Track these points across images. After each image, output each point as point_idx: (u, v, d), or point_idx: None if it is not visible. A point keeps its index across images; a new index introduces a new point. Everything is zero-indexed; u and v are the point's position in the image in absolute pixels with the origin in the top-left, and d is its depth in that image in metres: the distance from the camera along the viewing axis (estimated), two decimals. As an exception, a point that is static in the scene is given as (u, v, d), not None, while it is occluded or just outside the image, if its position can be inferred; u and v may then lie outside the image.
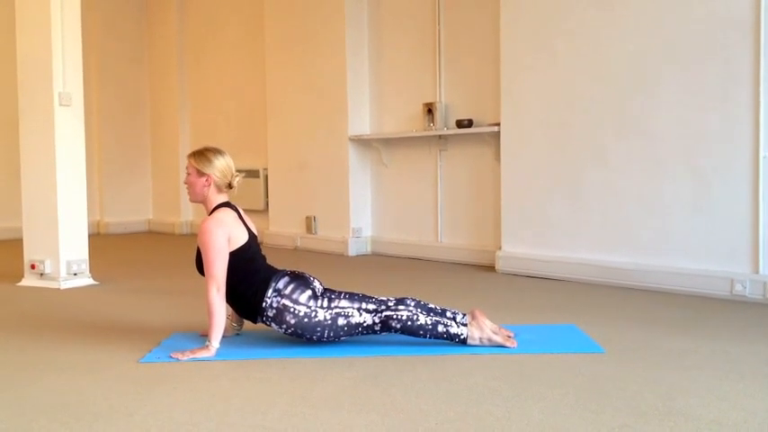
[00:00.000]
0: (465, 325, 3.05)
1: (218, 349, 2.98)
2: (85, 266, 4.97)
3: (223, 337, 3.06)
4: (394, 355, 2.96)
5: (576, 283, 4.68)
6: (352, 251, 6.39)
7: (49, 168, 4.81)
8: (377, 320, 3.01)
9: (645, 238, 4.47)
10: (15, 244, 5.68)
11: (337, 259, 6.17)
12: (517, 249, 5.16)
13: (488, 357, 2.91)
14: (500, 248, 5.27)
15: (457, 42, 5.83)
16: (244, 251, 3.09)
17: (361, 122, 6.53)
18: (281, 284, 3.07)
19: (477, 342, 3.03)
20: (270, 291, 3.04)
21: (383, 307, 3.04)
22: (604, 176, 4.66)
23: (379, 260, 6.07)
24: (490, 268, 5.38)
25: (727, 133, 4.09)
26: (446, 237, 5.93)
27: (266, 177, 7.44)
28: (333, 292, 3.12)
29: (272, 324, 3.06)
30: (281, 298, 3.03)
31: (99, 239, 7.84)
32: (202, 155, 3.17)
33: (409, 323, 3.00)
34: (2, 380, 2.72)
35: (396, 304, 3.05)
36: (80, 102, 4.94)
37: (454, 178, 5.87)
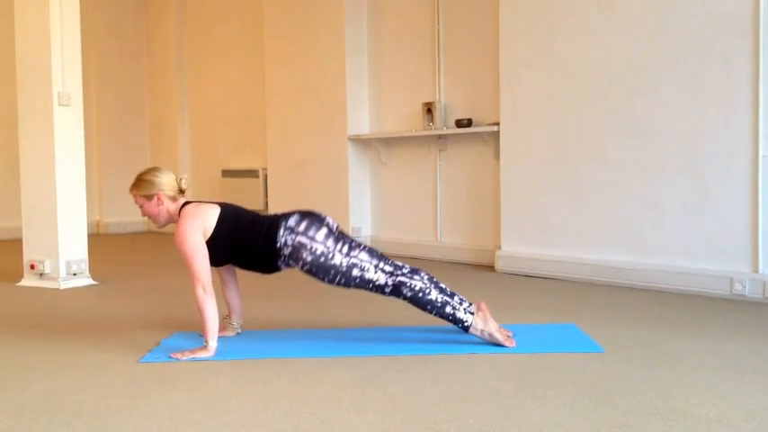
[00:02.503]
0: (472, 314, 3.05)
1: (217, 349, 2.98)
2: (85, 266, 4.97)
3: (223, 337, 3.06)
4: (394, 355, 2.96)
5: (576, 283, 4.68)
6: (351, 251, 6.38)
7: (48, 168, 4.81)
8: (389, 283, 3.02)
9: (644, 237, 4.47)
10: (15, 244, 5.68)
11: (337, 259, 6.16)
12: (516, 249, 5.16)
13: (488, 357, 2.91)
14: (499, 248, 5.28)
15: (456, 42, 5.83)
16: (225, 217, 3.07)
17: (361, 122, 6.53)
18: (292, 222, 3.04)
19: (478, 333, 3.04)
20: (281, 230, 3.02)
21: (399, 272, 3.04)
22: (604, 176, 4.66)
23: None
24: (489, 268, 5.38)
25: (727, 133, 4.09)
26: (445, 236, 5.93)
27: (266, 177, 7.43)
28: (352, 240, 3.11)
29: (291, 262, 3.04)
30: (296, 235, 3.01)
31: (98, 239, 7.83)
32: (140, 181, 3.16)
33: (420, 294, 3.00)
34: (2, 380, 2.72)
35: (410, 272, 3.05)
36: (79, 102, 4.93)
37: (453, 178, 5.87)
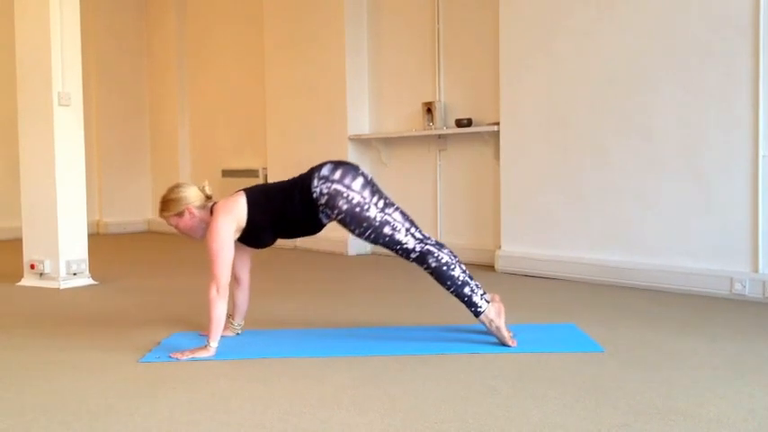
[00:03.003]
0: (488, 302, 3.05)
1: (217, 349, 2.98)
2: (85, 266, 4.97)
3: (224, 337, 3.06)
4: (394, 354, 2.96)
5: (576, 283, 4.68)
6: (351, 251, 6.39)
7: (48, 168, 4.81)
8: (417, 249, 3.02)
9: (644, 237, 4.47)
10: (15, 244, 5.68)
11: (337, 259, 6.17)
12: (517, 248, 5.16)
13: (488, 357, 2.91)
14: (499, 248, 5.28)
15: (456, 42, 5.83)
16: (253, 198, 3.06)
17: (361, 122, 6.53)
18: (325, 171, 3.04)
19: (487, 322, 3.03)
20: (315, 180, 3.02)
21: (428, 241, 3.05)
22: (604, 175, 4.66)
23: (378, 260, 6.07)
24: (490, 267, 5.38)
25: (727, 133, 4.09)
26: (445, 236, 5.93)
27: (266, 177, 7.43)
28: (387, 196, 3.11)
29: (327, 212, 3.02)
30: (331, 183, 3.00)
31: (98, 239, 7.83)
32: (166, 202, 3.12)
33: (444, 268, 3.01)
34: (2, 380, 2.72)
35: (437, 245, 3.06)
36: (79, 101, 4.93)
37: (453, 177, 5.87)
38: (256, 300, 4.04)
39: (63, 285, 4.80)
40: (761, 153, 3.96)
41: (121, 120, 9.06)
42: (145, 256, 6.80)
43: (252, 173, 7.57)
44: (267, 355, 2.98)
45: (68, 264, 4.85)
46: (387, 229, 3.01)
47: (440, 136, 5.90)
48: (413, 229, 3.06)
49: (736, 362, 2.79)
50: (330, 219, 3.08)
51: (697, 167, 4.23)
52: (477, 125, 5.58)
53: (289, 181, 3.18)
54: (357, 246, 6.40)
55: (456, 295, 3.05)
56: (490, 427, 2.14)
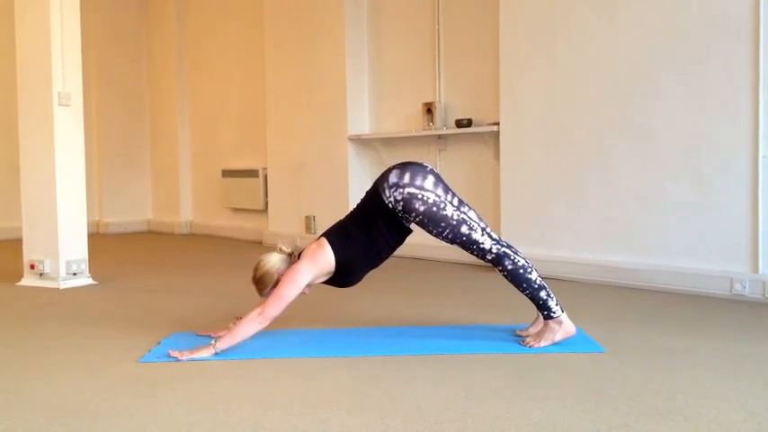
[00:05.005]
0: (562, 310, 3.04)
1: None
2: (85, 266, 4.96)
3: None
4: (394, 355, 2.96)
5: (576, 283, 4.68)
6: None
7: (48, 168, 4.81)
8: (494, 249, 3.00)
9: (645, 237, 4.47)
10: (15, 244, 5.68)
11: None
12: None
13: (488, 357, 2.91)
14: (500, 248, 5.27)
15: (457, 42, 5.83)
16: (335, 240, 3.02)
17: (361, 122, 6.53)
18: (393, 178, 3.00)
19: (554, 330, 3.01)
20: (386, 192, 2.99)
21: (504, 242, 3.04)
22: (604, 176, 4.66)
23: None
24: (490, 268, 5.37)
25: (727, 133, 4.09)
26: (446, 236, 5.92)
27: (266, 177, 7.43)
28: (458, 194, 3.09)
29: (407, 217, 2.99)
30: (403, 188, 2.96)
31: (98, 239, 7.83)
32: (259, 282, 3.07)
33: (521, 271, 2.99)
34: (2, 380, 2.72)
35: (510, 247, 3.04)
36: (79, 102, 4.93)
37: (454, 178, 5.86)
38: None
39: (63, 285, 4.80)
40: (761, 153, 3.96)
41: (121, 120, 9.06)
42: (145, 256, 6.79)
43: (252, 173, 7.57)
44: (267, 355, 2.98)
45: (68, 264, 4.85)
46: (464, 228, 2.99)
47: (440, 136, 5.90)
48: (488, 229, 3.05)
49: (737, 362, 2.79)
50: (410, 222, 3.05)
51: (697, 167, 4.23)
52: (477, 125, 5.58)
53: (360, 207, 3.11)
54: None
55: (531, 298, 3.03)
56: (490, 427, 2.14)
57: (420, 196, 2.96)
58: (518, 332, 3.24)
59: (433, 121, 5.86)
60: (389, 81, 6.39)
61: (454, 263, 5.72)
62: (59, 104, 4.79)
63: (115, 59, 8.96)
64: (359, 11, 6.49)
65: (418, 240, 6.07)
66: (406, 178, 2.99)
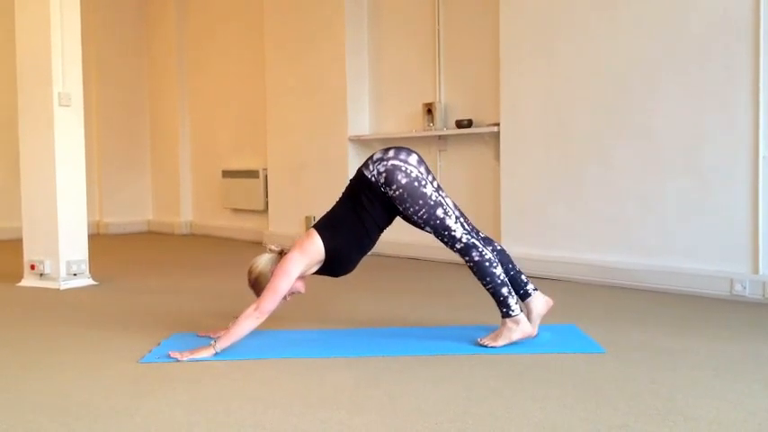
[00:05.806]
0: (521, 310, 3.06)
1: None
2: (85, 267, 4.96)
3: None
4: (394, 355, 2.96)
5: (576, 283, 4.68)
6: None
7: (48, 168, 4.81)
8: (464, 240, 3.01)
9: (645, 237, 4.47)
10: (15, 244, 5.68)
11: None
12: (517, 249, 5.13)
13: (488, 357, 2.91)
14: (500, 248, 5.27)
15: (457, 42, 5.83)
16: (324, 231, 3.05)
17: (361, 122, 6.53)
18: (377, 155, 3.06)
19: (512, 330, 3.01)
20: (370, 166, 3.03)
21: (475, 234, 3.07)
22: (604, 176, 4.66)
23: (378, 260, 6.07)
24: (490, 268, 5.37)
25: (727, 133, 4.09)
26: (446, 237, 5.92)
27: (266, 177, 7.43)
28: (437, 180, 3.14)
29: (386, 189, 2.99)
30: (387, 161, 3.00)
31: (99, 240, 7.83)
32: (255, 283, 3.10)
33: (486, 264, 2.99)
34: (2, 380, 2.72)
35: (484, 241, 3.10)
36: (80, 102, 4.93)
37: (454, 178, 5.87)
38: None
39: (63, 286, 4.80)
40: (761, 153, 3.96)
41: (121, 120, 9.06)
42: (145, 256, 6.80)
43: (252, 173, 7.56)
44: (267, 355, 2.98)
45: (69, 264, 4.85)
46: (439, 211, 3.00)
47: (440, 137, 5.90)
48: (462, 219, 3.08)
49: (737, 363, 2.79)
50: (389, 197, 3.02)
51: (697, 167, 4.22)
52: (478, 126, 5.58)
53: (346, 189, 3.16)
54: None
55: (492, 293, 3.03)
56: (490, 427, 2.14)
57: (404, 169, 2.99)
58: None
59: (433, 122, 5.86)
60: (389, 81, 6.39)
61: (454, 263, 5.71)
62: (60, 105, 4.79)
63: (115, 59, 8.96)
64: (359, 11, 6.49)
65: (418, 240, 6.09)
66: (391, 153, 3.05)
